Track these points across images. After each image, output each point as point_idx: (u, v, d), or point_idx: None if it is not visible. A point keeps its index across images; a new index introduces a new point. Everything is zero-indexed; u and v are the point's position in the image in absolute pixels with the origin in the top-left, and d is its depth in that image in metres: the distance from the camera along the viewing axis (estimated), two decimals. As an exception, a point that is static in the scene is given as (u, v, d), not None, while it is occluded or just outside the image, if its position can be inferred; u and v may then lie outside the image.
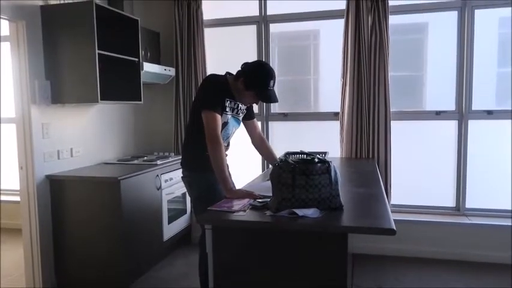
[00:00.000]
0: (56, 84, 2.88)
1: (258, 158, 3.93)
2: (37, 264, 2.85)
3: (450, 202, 3.64)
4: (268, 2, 3.85)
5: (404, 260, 3.41)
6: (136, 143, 3.95)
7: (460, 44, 3.49)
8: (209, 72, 3.80)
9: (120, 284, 2.84)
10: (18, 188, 2.86)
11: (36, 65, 2.80)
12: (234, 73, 2.24)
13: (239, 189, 2.10)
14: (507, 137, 3.49)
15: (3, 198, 4.30)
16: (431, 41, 3.72)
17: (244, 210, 1.80)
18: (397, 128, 3.54)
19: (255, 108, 3.83)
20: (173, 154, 3.79)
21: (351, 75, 3.50)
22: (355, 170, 2.95)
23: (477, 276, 3.12)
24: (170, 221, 3.46)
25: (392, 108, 3.50)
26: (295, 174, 1.74)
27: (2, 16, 2.56)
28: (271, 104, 3.93)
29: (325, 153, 3.22)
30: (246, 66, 2.19)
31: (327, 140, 3.76)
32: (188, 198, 3.70)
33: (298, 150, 2.67)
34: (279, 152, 2.69)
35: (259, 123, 3.90)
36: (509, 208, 3.48)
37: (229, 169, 2.47)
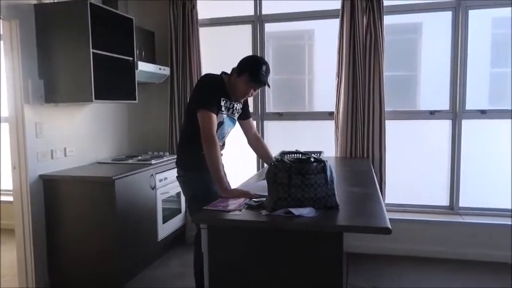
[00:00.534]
0: (50, 83, 2.86)
1: (253, 157, 3.93)
2: (30, 265, 2.83)
3: (444, 201, 3.66)
4: (263, 1, 3.85)
5: (399, 259, 3.43)
6: (131, 142, 3.93)
7: (454, 44, 3.52)
8: (204, 71, 3.79)
9: (114, 284, 2.83)
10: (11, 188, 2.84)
11: (29, 64, 2.77)
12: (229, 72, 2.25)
13: (234, 189, 2.10)
14: (500, 136, 3.52)
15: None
16: (425, 41, 3.74)
17: (240, 210, 1.80)
18: (391, 127, 3.56)
19: (251, 108, 3.85)
20: (168, 153, 3.78)
21: (345, 74, 3.51)
22: (350, 169, 2.96)
23: (472, 274, 3.14)
24: (165, 220, 3.45)
25: (387, 108, 3.52)
26: (291, 174, 1.74)
27: (-5, 14, 2.54)
28: (266, 103, 3.94)
29: (320, 152, 3.23)
30: (240, 60, 2.23)
31: (322, 140, 3.77)
32: (183, 198, 3.68)
33: (294, 150, 2.69)
34: (274, 152, 2.69)
35: (254, 123, 3.93)
36: (504, 207, 3.51)
37: (225, 169, 2.48)
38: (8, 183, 4.03)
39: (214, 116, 2.09)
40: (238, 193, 2.03)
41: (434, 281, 3.05)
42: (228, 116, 2.28)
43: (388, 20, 3.51)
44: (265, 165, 2.79)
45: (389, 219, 3.52)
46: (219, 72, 2.30)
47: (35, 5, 2.81)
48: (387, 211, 3.61)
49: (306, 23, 3.90)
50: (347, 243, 3.50)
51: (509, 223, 3.35)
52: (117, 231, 2.80)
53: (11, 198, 2.93)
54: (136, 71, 3.31)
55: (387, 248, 3.49)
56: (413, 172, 3.73)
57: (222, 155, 2.42)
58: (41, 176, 2.85)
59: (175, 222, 3.66)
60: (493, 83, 3.66)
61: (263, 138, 3.95)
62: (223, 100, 2.19)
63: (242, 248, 1.72)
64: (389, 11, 3.50)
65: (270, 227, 1.66)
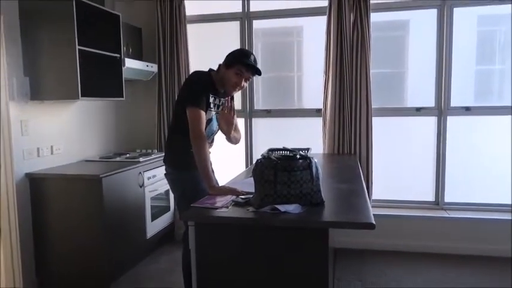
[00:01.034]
0: (35, 80, 2.83)
1: (241, 154, 3.94)
2: (17, 264, 2.80)
3: (430, 197, 3.73)
4: (251, -2, 3.85)
5: (386, 253, 3.48)
6: (119, 140, 3.91)
7: (439, 42, 3.57)
8: (192, 68, 3.79)
9: (103, 282, 2.82)
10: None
11: (14, 61, 2.74)
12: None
13: (222, 186, 2.11)
14: (484, 133, 3.59)
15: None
16: (412, 38, 3.78)
17: (227, 207, 1.81)
18: (378, 124, 3.60)
19: (238, 105, 3.86)
20: (156, 151, 3.77)
21: (333, 71, 3.53)
22: (337, 166, 2.99)
23: (456, 268, 3.20)
24: (153, 218, 3.44)
25: (374, 105, 3.55)
26: (277, 171, 1.75)
27: (-23, 11, 2.50)
28: (255, 100, 3.95)
29: (307, 149, 3.24)
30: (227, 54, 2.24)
31: (310, 137, 3.79)
32: (171, 196, 3.68)
33: (281, 147, 2.71)
34: (262, 149, 2.69)
35: (242, 120, 3.95)
36: (488, 202, 3.59)
37: (213, 166, 2.49)
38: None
39: (203, 113, 2.10)
40: (225, 190, 2.04)
41: (420, 275, 3.10)
42: (216, 113, 2.28)
43: (376, 17, 3.54)
44: (254, 162, 2.78)
45: (376, 215, 3.57)
46: (207, 69, 2.31)
47: (19, 1, 2.77)
48: (374, 207, 3.70)
49: (295, 19, 3.92)
50: (334, 238, 3.54)
51: (494, 217, 3.43)
52: (105, 229, 2.79)
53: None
54: (123, 68, 3.29)
55: (374, 243, 3.54)
56: (400, 168, 3.79)
57: (210, 152, 2.43)
58: (27, 175, 2.83)
59: (164, 220, 3.66)
60: (478, 80, 3.73)
61: (251, 135, 3.97)
62: (212, 97, 2.20)
63: (229, 245, 1.73)
64: (376, 8, 3.53)
65: (257, 224, 1.68)
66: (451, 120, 3.60)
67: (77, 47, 2.75)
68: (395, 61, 3.83)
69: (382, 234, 3.51)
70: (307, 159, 1.80)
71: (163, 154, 2.41)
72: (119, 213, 2.96)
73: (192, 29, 3.91)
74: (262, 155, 2.22)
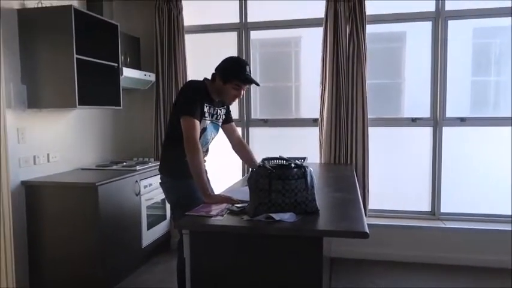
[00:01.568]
0: (33, 88, 2.84)
1: (237, 163, 3.95)
2: (11, 273, 2.78)
3: (426, 207, 3.73)
4: (249, 9, 3.89)
5: (382, 263, 3.47)
6: (116, 148, 3.91)
7: (434, 54, 3.60)
8: (190, 78, 3.81)
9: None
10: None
11: (12, 68, 2.75)
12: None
13: (217, 195, 2.12)
14: (479, 143, 3.61)
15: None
16: (409, 49, 3.82)
17: (222, 215, 1.81)
18: (375, 134, 3.62)
19: (236, 114, 3.88)
20: (153, 160, 3.77)
21: (329, 82, 3.57)
22: (333, 175, 3.00)
23: (452, 278, 3.19)
24: (149, 227, 3.43)
25: (371, 115, 3.58)
26: (271, 179, 1.76)
27: (-23, 19, 2.52)
28: (252, 110, 3.97)
29: (304, 158, 3.26)
30: (218, 65, 2.24)
31: (307, 146, 3.80)
32: (168, 204, 3.66)
33: (277, 156, 2.72)
34: (259, 158, 2.71)
35: (239, 129, 3.96)
36: (484, 212, 3.60)
37: (208, 174, 2.49)
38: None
39: (197, 122, 2.11)
40: (220, 199, 2.04)
41: (416, 285, 3.09)
42: (211, 122, 2.30)
43: (373, 28, 3.59)
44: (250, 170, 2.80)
45: (372, 224, 3.59)
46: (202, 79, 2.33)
47: (18, 9, 2.80)
48: (370, 217, 3.69)
49: (293, 30, 3.96)
50: (330, 248, 3.53)
51: (491, 228, 3.43)
52: (100, 237, 2.78)
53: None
54: (121, 77, 3.31)
55: (371, 253, 3.53)
56: (396, 178, 3.80)
57: (205, 161, 2.44)
58: (23, 182, 2.82)
59: (160, 229, 3.65)
60: (474, 91, 3.77)
61: (248, 144, 3.97)
62: (206, 106, 2.21)
63: (224, 253, 1.73)
64: (371, 20, 3.58)
65: (251, 232, 1.68)
66: (447, 131, 3.62)
67: (75, 56, 2.77)
68: (392, 72, 3.87)
69: (379, 244, 3.51)
70: (301, 168, 1.81)
71: (159, 163, 2.42)
72: (115, 222, 2.95)
73: (190, 39, 3.95)
74: (259, 164, 2.24)
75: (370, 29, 3.55)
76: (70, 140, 3.29)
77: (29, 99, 2.85)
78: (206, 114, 2.22)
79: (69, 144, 3.27)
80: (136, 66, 3.78)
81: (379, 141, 3.69)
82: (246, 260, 1.70)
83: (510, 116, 3.51)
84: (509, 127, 3.51)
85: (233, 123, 2.57)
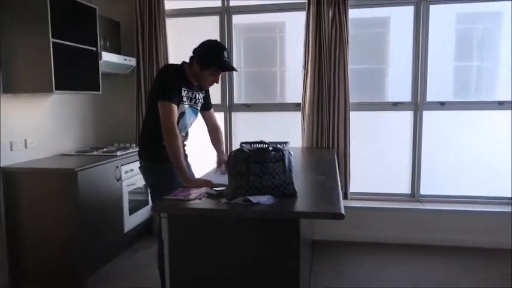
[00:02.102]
0: (8, 73, 2.77)
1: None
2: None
3: (406, 189, 3.80)
4: (231, -8, 3.84)
5: (363, 245, 3.53)
6: (97, 134, 3.86)
7: (415, 39, 3.62)
8: (171, 62, 3.76)
9: (78, 276, 2.79)
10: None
11: (-15, 53, 2.68)
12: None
13: (196, 178, 2.12)
14: (459, 127, 3.67)
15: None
16: (393, 34, 3.83)
17: (200, 199, 1.82)
18: (358, 118, 3.66)
19: (218, 99, 3.85)
20: (134, 145, 3.74)
21: (312, 66, 3.57)
22: (314, 159, 3.02)
23: (431, 258, 3.28)
24: (131, 212, 3.42)
25: (354, 100, 3.60)
26: (249, 163, 1.77)
27: None
28: (236, 94, 3.96)
29: (286, 142, 3.26)
30: (196, 49, 2.20)
31: (290, 131, 3.82)
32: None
33: (259, 140, 2.72)
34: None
35: (222, 114, 3.96)
36: (461, 194, 3.69)
37: (188, 159, 2.49)
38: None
39: (174, 106, 2.09)
40: (200, 182, 2.04)
41: (396, 266, 3.17)
42: (190, 106, 2.28)
43: (357, 13, 3.59)
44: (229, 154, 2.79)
45: (354, 207, 3.63)
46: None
47: (-10, -9, 2.71)
48: (352, 199, 3.74)
49: (277, 15, 3.91)
50: (314, 231, 3.59)
51: (468, 209, 3.52)
52: (80, 223, 2.76)
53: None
54: (100, 62, 3.25)
55: (352, 235, 3.59)
56: (378, 161, 3.85)
57: (185, 145, 2.43)
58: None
59: (143, 214, 3.64)
60: (457, 76, 3.81)
61: (231, 129, 3.98)
62: (184, 90, 2.19)
63: (202, 237, 1.74)
64: (354, 4, 3.57)
65: (229, 215, 1.69)
66: (428, 115, 3.66)
67: (51, 39, 2.71)
68: (376, 57, 3.87)
69: (360, 226, 3.58)
70: (279, 152, 1.82)
71: (138, 148, 2.40)
72: (95, 208, 2.93)
73: (171, 23, 3.88)
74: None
75: (354, 14, 3.54)
76: (49, 126, 3.23)
77: (4, 84, 2.78)
78: (184, 99, 2.20)
79: (47, 130, 3.22)
80: (116, 50, 3.71)
81: (362, 126, 3.73)
82: (225, 242, 1.71)
83: (490, 100, 3.58)
84: (489, 111, 3.58)
85: (212, 110, 2.55)
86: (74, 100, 3.52)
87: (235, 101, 3.98)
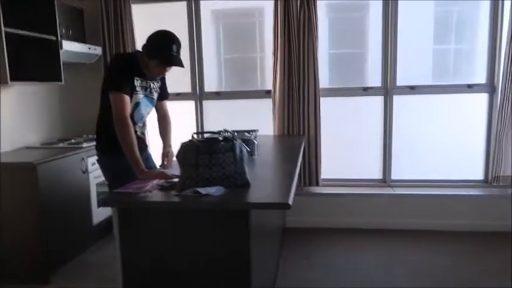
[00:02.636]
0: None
1: (178, 138, 3.89)
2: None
3: (377, 175, 3.81)
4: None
5: (334, 231, 3.55)
6: (64, 125, 3.78)
7: (384, 22, 3.59)
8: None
9: (43, 272, 2.76)
10: None
11: None
12: None
13: (151, 170, 2.09)
14: (430, 111, 3.68)
15: None
16: (372, 18, 3.77)
17: (150, 191, 1.79)
18: (330, 104, 3.64)
19: (188, 87, 3.79)
20: (103, 136, 3.67)
21: (281, 53, 3.52)
22: (280, 147, 3.01)
23: (403, 243, 3.32)
24: (100, 204, 3.37)
25: (334, 85, 3.56)
26: (198, 154, 1.74)
27: None
28: (205, 82, 3.90)
29: (255, 131, 3.25)
30: (148, 37, 2.13)
31: (264, 118, 3.78)
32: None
33: (226, 129, 2.69)
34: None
35: (192, 103, 3.91)
36: (432, 178, 3.71)
37: (149, 149, 2.45)
38: None
39: (126, 97, 2.04)
40: (154, 174, 2.01)
41: (366, 251, 3.20)
42: (145, 96, 2.22)
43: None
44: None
45: (325, 194, 3.60)
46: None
47: None
48: (323, 186, 3.73)
49: (256, 1, 3.84)
50: (284, 218, 3.60)
51: (438, 193, 3.55)
52: (42, 218, 2.71)
53: None
54: (61, 51, 3.16)
55: (323, 222, 3.61)
56: (350, 147, 3.84)
57: (144, 135, 2.38)
58: (-43, 164, 2.70)
59: (113, 206, 3.59)
60: (435, 59, 3.78)
61: (202, 117, 3.94)
62: (137, 80, 2.13)
63: (153, 229, 1.72)
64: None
65: (176, 207, 1.67)
66: (400, 100, 3.65)
67: (3, 28, 2.61)
68: (356, 42, 3.83)
69: (332, 212, 3.60)
70: (230, 142, 1.79)
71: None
72: (60, 201, 2.88)
73: (138, 10, 3.78)
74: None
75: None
76: (11, 118, 3.15)
77: (-43, 76, 2.69)
78: (138, 89, 2.15)
79: (10, 122, 3.13)
80: (80, 39, 3.61)
81: (335, 112, 3.72)
82: (176, 235, 1.69)
83: (459, 83, 3.58)
84: (462, 94, 3.59)
85: (165, 101, 2.48)
86: (38, 91, 3.43)
87: (211, 88, 3.91)
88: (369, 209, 3.60)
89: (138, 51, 2.20)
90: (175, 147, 2.95)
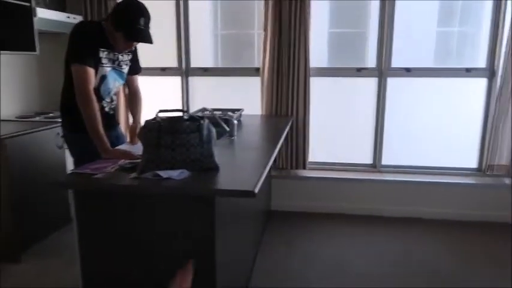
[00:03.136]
0: None
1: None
2: None
3: (368, 159, 3.68)
4: None
5: (320, 215, 3.45)
6: (43, 98, 3.63)
7: (382, 2, 3.38)
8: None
9: (15, 251, 2.67)
10: None
11: None
12: None
13: (115, 149, 1.95)
14: (425, 95, 3.52)
15: None
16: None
17: (109, 172, 1.66)
18: (321, 85, 3.48)
19: (174, 62, 3.61)
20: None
21: (271, 28, 3.33)
22: (265, 128, 2.87)
23: (391, 229, 3.21)
24: (55, 186, 3.25)
25: (332, 65, 3.41)
26: (161, 133, 1.60)
27: None
28: (191, 57, 3.72)
29: (239, 110, 3.10)
30: (115, 4, 1.95)
31: (251, 97, 3.61)
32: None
33: (201, 107, 2.53)
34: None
35: (178, 78, 3.74)
36: (422, 164, 3.58)
37: (120, 126, 2.32)
38: None
39: (89, 70, 1.89)
40: (119, 153, 1.88)
41: (356, 236, 3.09)
42: (113, 69, 2.07)
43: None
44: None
45: (312, 177, 3.48)
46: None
47: None
48: (311, 169, 3.61)
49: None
50: (269, 202, 3.49)
51: (429, 180, 3.42)
52: (12, 194, 2.60)
53: None
54: (35, 19, 2.97)
55: (309, 206, 3.51)
56: (340, 130, 3.70)
57: (113, 110, 2.24)
58: None
59: (93, 183, 3.48)
60: (439, 42, 3.59)
61: (188, 94, 3.78)
62: (103, 51, 1.97)
63: (110, 213, 1.60)
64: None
65: (131, 191, 1.54)
66: (394, 82, 3.48)
67: (-33, -9, 2.43)
68: (357, 21, 3.62)
69: (319, 196, 3.49)
70: (196, 121, 1.65)
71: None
72: (33, 177, 2.77)
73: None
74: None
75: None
76: (-17, 89, 3.00)
77: None
78: (104, 61, 1.99)
79: (-19, 93, 2.99)
80: (60, 7, 3.42)
81: (327, 93, 3.56)
82: (136, 220, 1.58)
83: (457, 67, 3.41)
84: (460, 78, 3.41)
85: (137, 76, 2.31)
86: (12, 62, 3.26)
87: (200, 64, 3.73)
88: (357, 194, 3.48)
89: (104, 19, 2.02)
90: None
